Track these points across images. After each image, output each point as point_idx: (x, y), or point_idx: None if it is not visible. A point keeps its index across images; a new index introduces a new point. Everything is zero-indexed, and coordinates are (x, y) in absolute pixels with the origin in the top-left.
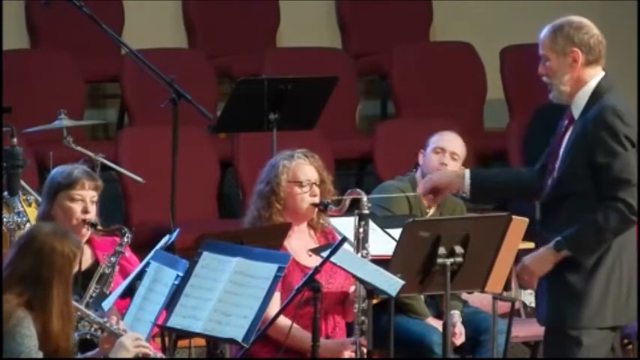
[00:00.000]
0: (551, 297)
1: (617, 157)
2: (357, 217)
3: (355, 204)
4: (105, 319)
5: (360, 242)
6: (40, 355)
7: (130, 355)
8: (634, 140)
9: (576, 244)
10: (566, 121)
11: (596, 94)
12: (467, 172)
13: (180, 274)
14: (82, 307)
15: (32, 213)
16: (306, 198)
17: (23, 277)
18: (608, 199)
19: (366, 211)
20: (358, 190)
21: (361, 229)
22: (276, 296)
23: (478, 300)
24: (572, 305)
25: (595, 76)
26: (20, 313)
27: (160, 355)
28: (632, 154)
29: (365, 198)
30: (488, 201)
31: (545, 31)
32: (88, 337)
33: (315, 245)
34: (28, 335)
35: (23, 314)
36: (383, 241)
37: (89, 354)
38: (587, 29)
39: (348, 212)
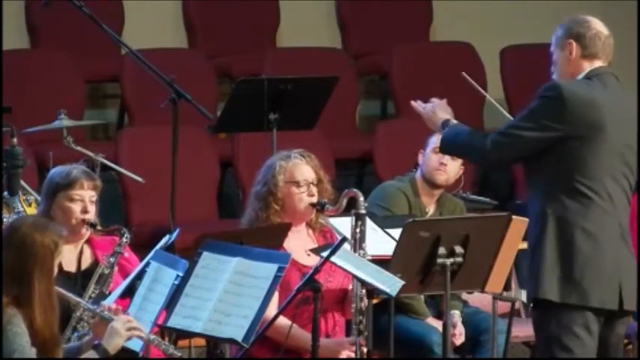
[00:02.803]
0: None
1: (523, 116)
2: (354, 217)
3: (352, 204)
4: (95, 306)
5: (358, 242)
6: (33, 351)
7: (123, 339)
8: (563, 119)
9: (446, 137)
10: None
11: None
12: None
13: (180, 274)
14: (71, 295)
15: (32, 213)
16: (304, 198)
17: (9, 273)
18: (491, 134)
19: (363, 211)
20: (355, 189)
21: (358, 229)
22: (274, 296)
23: (478, 300)
24: (530, 281)
25: (589, 67)
26: (10, 311)
27: (153, 336)
28: (542, 126)
29: (361, 198)
30: None
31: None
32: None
33: (313, 245)
34: (19, 333)
35: (13, 312)
36: (383, 241)
37: (85, 340)
38: (588, 24)
39: (345, 212)
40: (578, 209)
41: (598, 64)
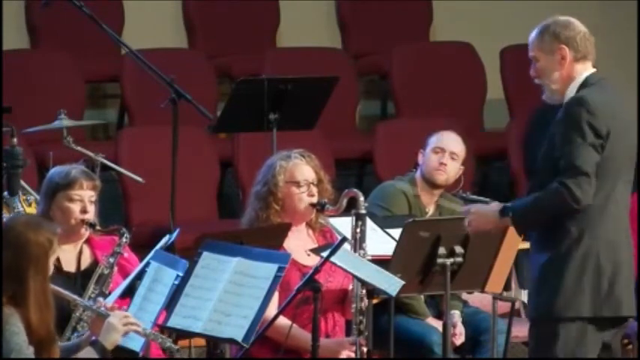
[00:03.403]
0: (530, 291)
1: (572, 145)
2: (354, 217)
3: (352, 204)
4: (91, 302)
5: (358, 242)
6: (31, 350)
7: (120, 334)
8: (600, 130)
9: (517, 216)
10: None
11: (584, 86)
12: None
13: (180, 274)
14: (66, 292)
15: (32, 213)
16: (304, 198)
17: (5, 272)
18: (556, 182)
19: (363, 211)
20: (355, 190)
21: (358, 229)
22: (274, 296)
23: (478, 300)
24: (545, 296)
25: (583, 72)
26: (7, 310)
27: (149, 330)
28: (592, 144)
29: (362, 198)
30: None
31: (533, 33)
32: None
33: (313, 245)
34: (16, 332)
35: (10, 312)
36: (383, 241)
37: (83, 337)
38: (573, 26)
39: (346, 212)
40: (597, 219)
41: (589, 65)
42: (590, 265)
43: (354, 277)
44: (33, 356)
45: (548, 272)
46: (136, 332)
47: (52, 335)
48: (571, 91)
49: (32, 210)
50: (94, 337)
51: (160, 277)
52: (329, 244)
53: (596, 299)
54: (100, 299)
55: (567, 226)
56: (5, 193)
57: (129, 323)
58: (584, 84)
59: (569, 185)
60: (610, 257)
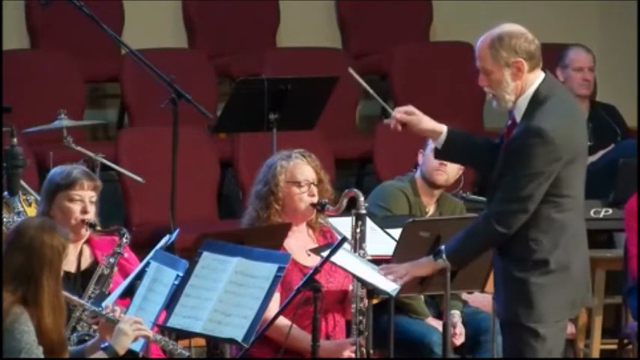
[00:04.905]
0: (506, 295)
1: (519, 173)
2: (354, 217)
3: (352, 204)
4: (100, 308)
5: (358, 242)
6: (40, 350)
7: (131, 339)
8: (559, 156)
9: (450, 257)
10: (509, 122)
11: (536, 99)
12: (445, 127)
13: (180, 274)
14: (75, 298)
15: (32, 213)
16: (305, 198)
17: (16, 273)
18: (487, 210)
19: (363, 211)
20: (355, 190)
21: (358, 229)
22: (275, 296)
23: (478, 300)
24: (527, 302)
25: (535, 80)
26: (17, 309)
27: (159, 336)
28: (541, 174)
29: (362, 198)
30: (454, 158)
31: (482, 44)
32: (87, 338)
33: (313, 245)
34: (26, 331)
35: (20, 311)
36: (383, 241)
37: (89, 342)
38: (525, 36)
39: (346, 212)
40: (565, 230)
41: (540, 71)
42: (560, 273)
43: (354, 277)
44: (42, 356)
45: (528, 277)
46: (145, 337)
47: (63, 339)
48: (524, 100)
49: (32, 210)
50: (106, 343)
51: (160, 277)
52: (329, 244)
53: (573, 302)
54: (109, 305)
55: (541, 238)
56: (5, 193)
57: (139, 329)
58: (537, 95)
59: (503, 213)
60: (584, 259)
